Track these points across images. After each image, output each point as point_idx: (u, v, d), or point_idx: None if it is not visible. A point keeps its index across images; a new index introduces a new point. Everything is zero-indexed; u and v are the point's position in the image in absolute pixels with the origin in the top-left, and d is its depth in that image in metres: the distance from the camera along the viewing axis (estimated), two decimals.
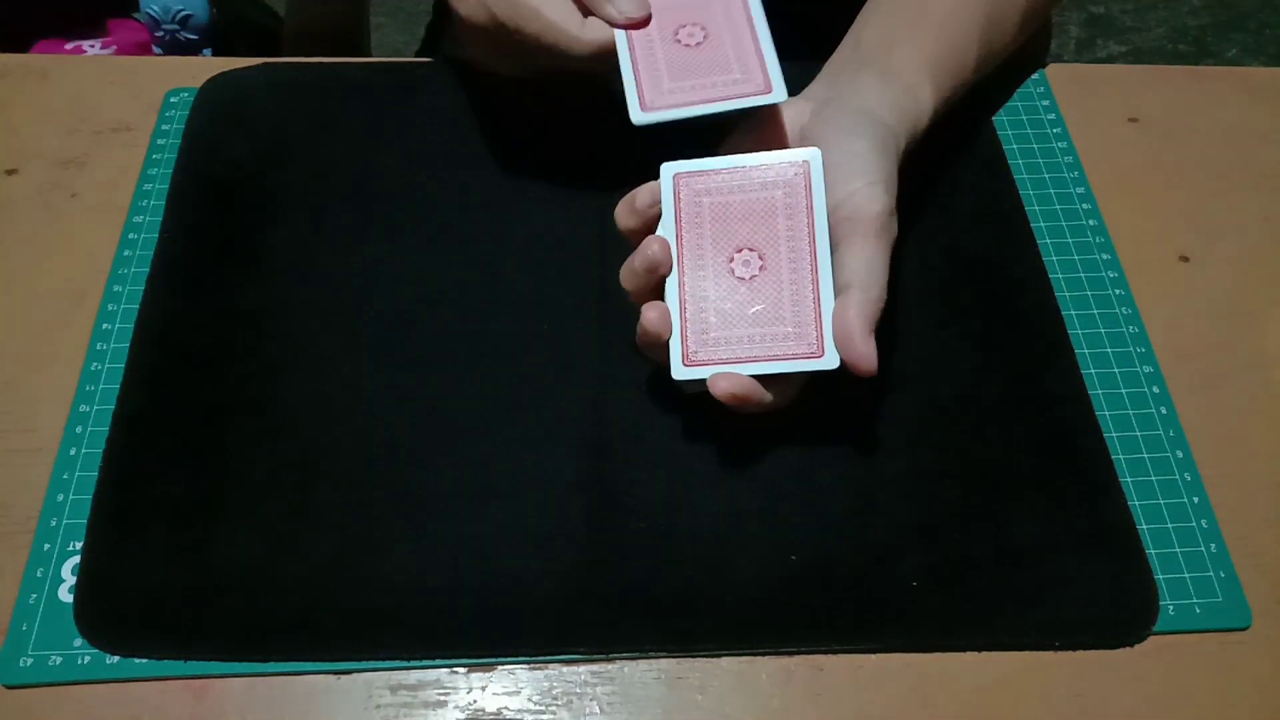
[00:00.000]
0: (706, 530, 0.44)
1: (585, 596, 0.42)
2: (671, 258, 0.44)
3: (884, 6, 0.52)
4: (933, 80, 0.49)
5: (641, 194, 0.45)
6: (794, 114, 0.47)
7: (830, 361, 0.42)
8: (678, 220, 0.44)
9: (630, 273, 0.44)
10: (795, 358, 0.42)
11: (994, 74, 0.56)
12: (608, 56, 0.47)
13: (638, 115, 0.45)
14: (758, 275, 0.43)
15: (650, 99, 0.45)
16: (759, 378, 0.42)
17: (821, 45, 0.52)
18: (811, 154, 0.44)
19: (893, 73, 0.48)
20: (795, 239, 0.43)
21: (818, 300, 0.42)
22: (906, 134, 0.47)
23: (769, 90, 0.44)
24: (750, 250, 0.44)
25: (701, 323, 0.43)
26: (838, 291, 0.42)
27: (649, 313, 0.43)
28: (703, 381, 0.43)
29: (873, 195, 0.43)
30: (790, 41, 0.47)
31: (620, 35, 0.47)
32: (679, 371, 0.43)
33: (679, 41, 0.46)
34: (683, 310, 0.43)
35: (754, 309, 0.43)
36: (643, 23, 0.47)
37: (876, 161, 0.44)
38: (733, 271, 0.43)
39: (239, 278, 0.51)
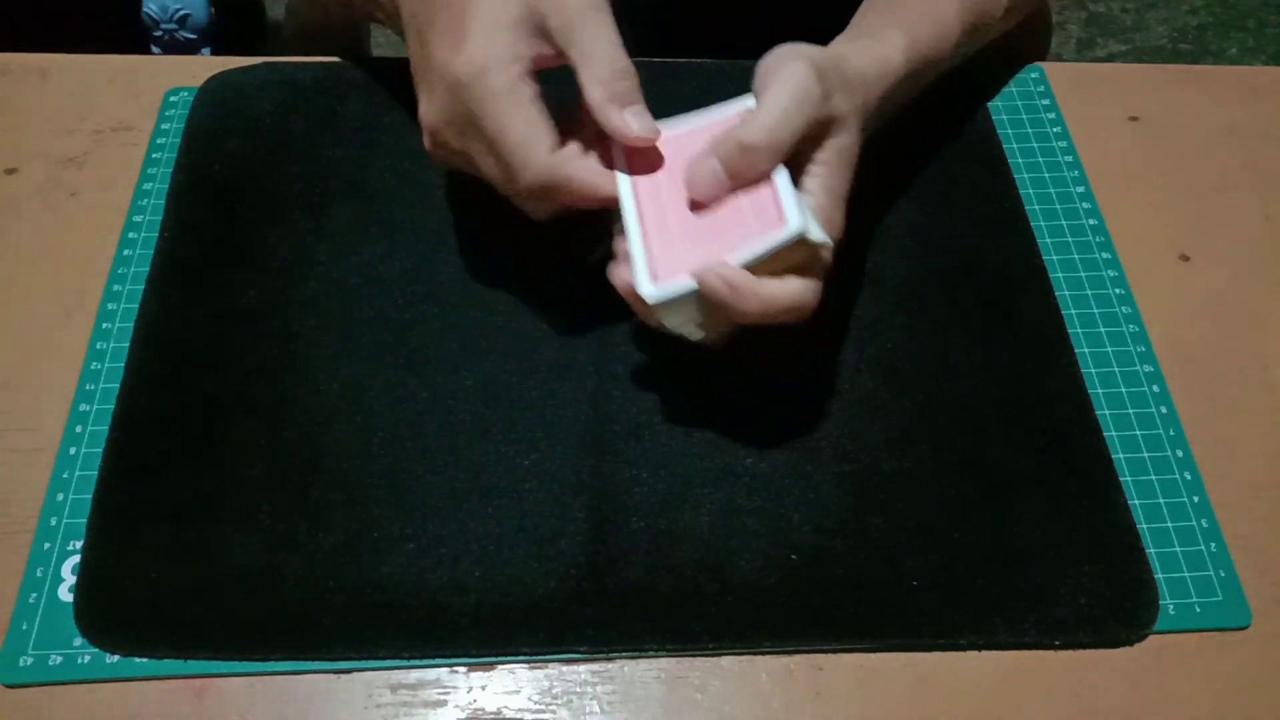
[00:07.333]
0: (706, 529, 0.44)
1: (585, 596, 0.42)
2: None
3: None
4: (901, 27, 0.50)
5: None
6: None
7: (792, 226, 0.40)
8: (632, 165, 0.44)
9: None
10: (759, 235, 0.40)
11: (991, 65, 0.56)
12: (558, 192, 0.42)
13: (649, 289, 0.41)
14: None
15: (662, 268, 0.41)
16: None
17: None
18: None
19: (861, 27, 0.50)
20: None
21: (775, 189, 0.41)
22: (874, 71, 0.47)
23: (782, 223, 0.40)
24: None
25: (665, 238, 0.42)
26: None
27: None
28: (678, 304, 0.41)
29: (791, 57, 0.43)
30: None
31: (624, 183, 0.43)
32: (649, 291, 0.41)
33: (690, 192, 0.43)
34: (645, 235, 0.42)
35: (716, 214, 0.42)
36: (650, 143, 0.43)
37: (810, 50, 0.44)
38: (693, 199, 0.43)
39: (239, 277, 0.51)
